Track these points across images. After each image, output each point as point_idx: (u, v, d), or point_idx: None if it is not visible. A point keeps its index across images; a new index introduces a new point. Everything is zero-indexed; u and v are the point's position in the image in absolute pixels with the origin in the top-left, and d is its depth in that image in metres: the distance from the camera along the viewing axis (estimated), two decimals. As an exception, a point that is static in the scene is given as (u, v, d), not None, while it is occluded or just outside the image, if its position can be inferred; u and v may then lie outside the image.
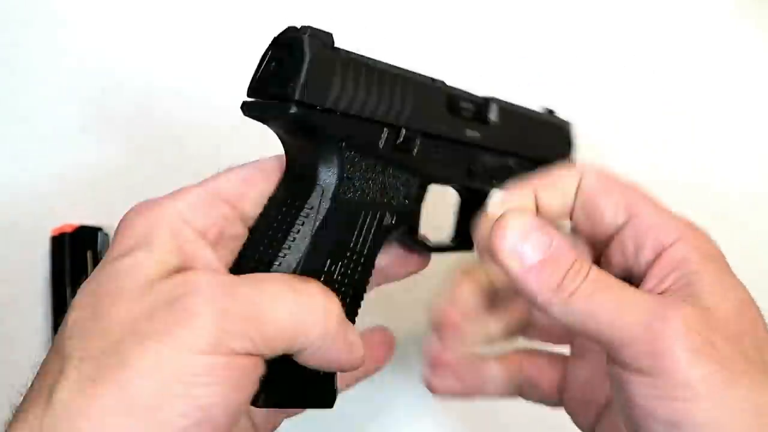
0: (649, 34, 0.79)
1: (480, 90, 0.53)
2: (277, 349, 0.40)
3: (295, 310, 0.40)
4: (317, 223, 0.43)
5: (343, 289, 0.45)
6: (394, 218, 0.47)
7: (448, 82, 0.49)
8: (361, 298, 0.46)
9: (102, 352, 0.36)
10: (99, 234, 0.73)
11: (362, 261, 0.46)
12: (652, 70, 0.78)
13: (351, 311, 0.46)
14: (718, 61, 0.79)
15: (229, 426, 0.38)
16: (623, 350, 0.40)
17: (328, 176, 0.44)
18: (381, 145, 0.45)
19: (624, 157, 0.71)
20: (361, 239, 0.46)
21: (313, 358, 0.41)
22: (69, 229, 0.73)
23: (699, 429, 0.38)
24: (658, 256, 0.45)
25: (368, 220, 0.46)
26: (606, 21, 0.80)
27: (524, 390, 0.56)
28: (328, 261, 0.44)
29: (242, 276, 0.41)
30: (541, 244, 0.43)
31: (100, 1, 0.80)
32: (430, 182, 0.50)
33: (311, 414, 0.77)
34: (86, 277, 0.73)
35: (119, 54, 0.79)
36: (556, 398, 0.55)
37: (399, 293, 0.74)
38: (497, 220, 0.43)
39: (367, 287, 0.47)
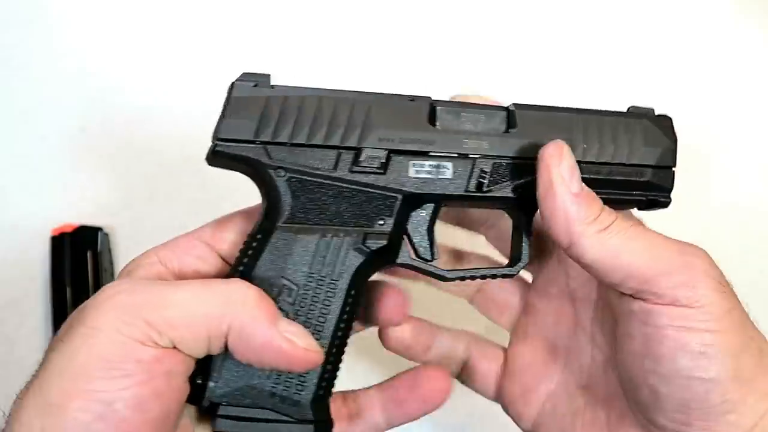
0: (649, 34, 0.79)
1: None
2: (192, 339, 0.40)
3: (200, 292, 0.41)
4: (264, 251, 0.46)
5: (304, 310, 0.46)
6: (364, 240, 0.47)
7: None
8: (334, 320, 0.46)
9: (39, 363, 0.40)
10: (99, 234, 0.73)
11: (329, 284, 0.46)
12: (652, 71, 0.78)
13: (319, 330, 0.46)
14: (719, 62, 0.79)
15: (147, 421, 0.38)
16: (660, 280, 0.42)
17: (274, 206, 0.47)
18: (337, 169, 0.47)
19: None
20: (319, 264, 0.46)
21: (240, 346, 0.41)
22: (69, 229, 0.73)
23: (721, 358, 0.42)
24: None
25: (325, 244, 0.47)
26: (606, 21, 0.80)
27: (463, 373, 0.57)
28: (279, 289, 0.46)
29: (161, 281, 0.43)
30: (580, 182, 0.45)
31: (101, 3, 0.80)
32: (418, 201, 0.49)
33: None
34: (86, 277, 0.74)
35: (119, 55, 0.79)
36: (492, 388, 0.56)
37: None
38: (548, 146, 0.45)
39: (347, 309, 0.47)
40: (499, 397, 0.56)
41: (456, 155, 0.48)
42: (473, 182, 0.48)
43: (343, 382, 0.51)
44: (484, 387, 0.56)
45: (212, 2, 0.80)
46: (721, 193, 0.76)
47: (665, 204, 0.50)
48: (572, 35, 0.79)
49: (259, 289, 0.43)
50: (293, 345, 0.41)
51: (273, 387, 0.45)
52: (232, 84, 0.47)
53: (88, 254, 0.72)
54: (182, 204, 0.76)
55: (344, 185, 0.47)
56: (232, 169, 0.48)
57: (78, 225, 0.74)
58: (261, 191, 0.48)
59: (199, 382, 0.45)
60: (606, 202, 0.46)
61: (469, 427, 0.73)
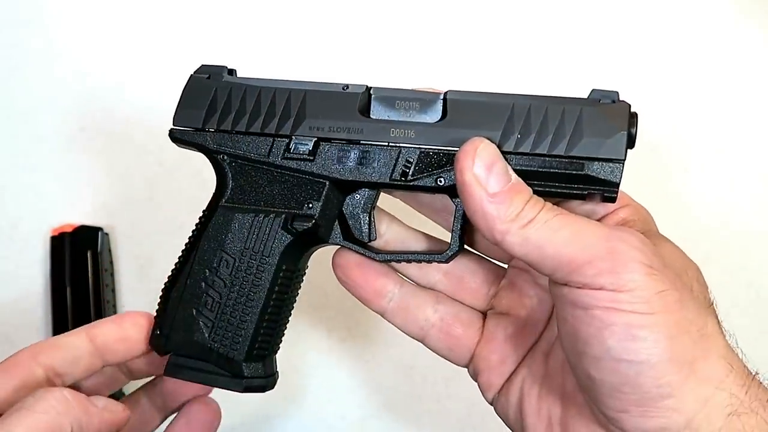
0: (650, 35, 0.79)
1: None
2: None
3: None
4: (208, 227, 0.52)
5: (236, 283, 0.51)
6: (292, 221, 0.51)
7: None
8: (265, 291, 0.51)
9: None
10: (99, 234, 0.73)
11: (261, 258, 0.51)
12: (653, 71, 0.78)
13: (251, 298, 0.51)
14: (720, 62, 0.79)
15: None
16: (584, 269, 0.42)
17: (220, 187, 0.53)
18: (270, 155, 0.51)
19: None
20: (252, 240, 0.51)
21: None
22: (69, 229, 0.73)
23: (652, 340, 0.41)
24: (604, 217, 0.49)
25: (258, 223, 0.51)
26: (605, 21, 0.80)
27: (429, 334, 0.55)
28: (219, 260, 0.52)
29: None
30: (504, 175, 0.44)
31: (101, 3, 0.80)
32: (348, 187, 0.51)
33: (307, 416, 0.78)
34: (86, 277, 0.74)
35: (118, 54, 0.79)
36: (466, 355, 0.54)
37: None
38: (465, 146, 0.45)
39: (281, 285, 0.52)
40: (470, 364, 0.55)
41: (382, 144, 0.50)
42: (398, 171, 0.49)
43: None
44: (449, 351, 0.55)
45: (210, 1, 0.80)
46: (722, 193, 0.76)
47: (611, 199, 0.47)
48: (571, 35, 0.79)
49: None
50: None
51: (211, 344, 0.51)
52: (190, 76, 0.53)
53: (88, 254, 0.72)
54: (182, 204, 0.76)
55: (277, 170, 0.51)
56: (192, 150, 0.53)
57: (78, 225, 0.74)
58: (215, 171, 0.53)
59: (157, 332, 0.52)
60: (542, 194, 0.46)
61: (469, 427, 0.73)
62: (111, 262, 0.75)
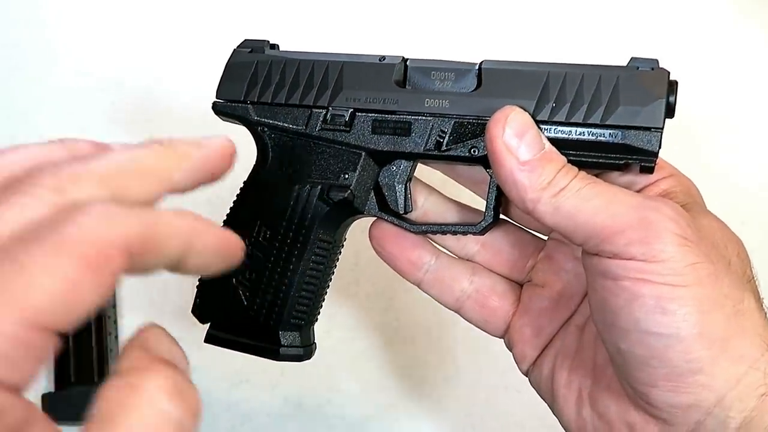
0: (650, 35, 0.79)
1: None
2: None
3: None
4: (248, 196, 0.53)
5: (274, 252, 0.52)
6: (328, 192, 0.51)
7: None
8: (302, 261, 0.52)
9: None
10: (99, 234, 0.73)
11: (299, 228, 0.52)
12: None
13: (289, 267, 0.52)
14: (720, 63, 0.79)
15: None
16: (615, 238, 0.41)
17: (259, 157, 0.54)
18: (308, 126, 0.51)
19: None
20: (290, 211, 0.52)
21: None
22: (69, 229, 0.73)
23: (682, 314, 0.40)
24: (645, 188, 0.48)
25: (296, 193, 0.52)
26: (606, 22, 0.80)
27: (465, 305, 0.54)
28: (258, 229, 0.52)
29: None
30: (536, 144, 0.44)
31: (101, 2, 0.80)
32: (383, 157, 0.52)
33: (312, 412, 0.78)
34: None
35: (119, 54, 0.79)
36: (501, 324, 0.54)
37: (399, 293, 0.74)
38: (496, 114, 0.44)
39: (319, 251, 0.53)
40: (506, 335, 0.54)
41: (417, 114, 0.50)
42: (432, 141, 0.50)
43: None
44: (486, 323, 0.55)
45: (213, 3, 0.80)
46: (721, 193, 0.76)
47: (649, 169, 0.46)
48: (571, 34, 0.79)
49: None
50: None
51: (250, 312, 0.52)
52: (234, 50, 0.54)
53: (88, 254, 0.72)
54: (182, 204, 0.75)
55: (314, 141, 0.52)
56: (233, 122, 0.54)
57: (78, 225, 0.74)
58: (255, 143, 0.54)
59: (198, 301, 0.54)
60: (578, 164, 0.45)
61: (469, 427, 0.73)
62: (111, 262, 0.74)
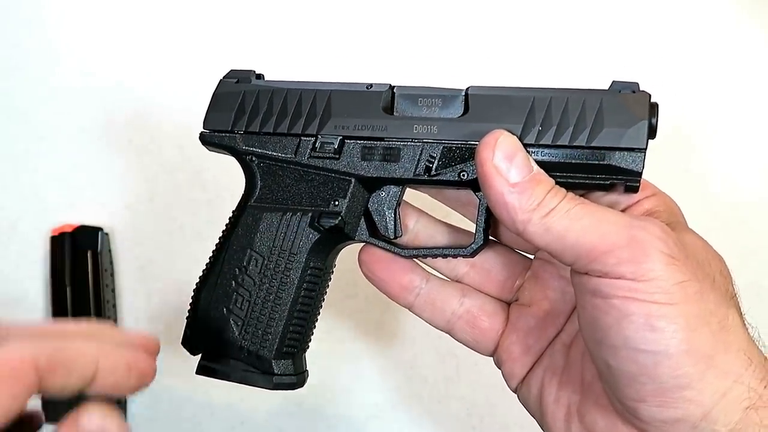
0: (650, 35, 0.79)
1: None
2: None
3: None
4: (233, 227, 0.54)
5: (266, 281, 0.52)
6: (319, 219, 0.52)
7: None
8: (293, 288, 0.52)
9: None
10: (99, 234, 0.73)
11: (289, 256, 0.52)
12: (652, 71, 0.78)
13: (280, 296, 0.52)
14: (721, 62, 0.79)
15: None
16: (605, 257, 0.42)
17: (249, 187, 0.54)
18: (296, 154, 0.52)
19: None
20: (280, 239, 0.53)
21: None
22: (69, 229, 0.73)
23: (671, 331, 0.41)
24: (629, 207, 0.49)
25: (286, 221, 0.52)
26: (606, 21, 0.80)
27: (456, 326, 0.55)
28: (248, 258, 0.53)
29: None
30: (525, 166, 0.45)
31: (101, 3, 0.80)
32: (373, 183, 0.52)
33: (312, 412, 0.78)
34: (86, 277, 0.73)
35: (119, 54, 0.79)
36: (490, 344, 0.55)
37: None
38: (485, 138, 0.45)
39: (309, 283, 0.53)
40: (495, 354, 0.55)
41: (406, 140, 0.51)
42: (422, 166, 0.50)
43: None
44: (476, 342, 0.55)
45: (211, 1, 0.80)
46: (721, 193, 0.76)
47: (634, 189, 0.48)
48: (570, 34, 0.79)
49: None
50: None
51: (242, 342, 0.52)
52: (220, 81, 0.54)
53: (88, 254, 0.72)
54: (182, 204, 0.76)
55: (303, 169, 0.53)
56: (221, 152, 0.54)
57: (78, 225, 0.74)
58: (244, 172, 0.54)
59: (188, 332, 0.54)
60: (565, 186, 0.46)
61: (469, 428, 0.73)
62: (111, 262, 0.75)
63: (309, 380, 0.56)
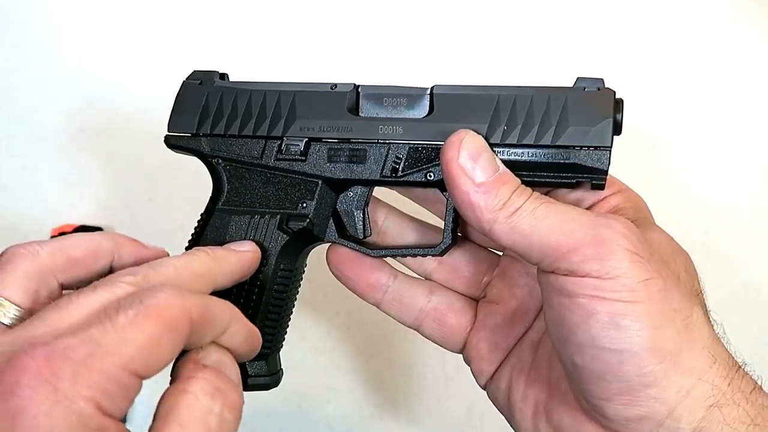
0: (650, 34, 0.79)
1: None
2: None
3: None
4: (202, 230, 0.53)
5: (237, 286, 0.50)
6: (287, 222, 0.51)
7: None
8: (264, 291, 0.51)
9: None
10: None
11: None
12: (652, 71, 0.78)
13: (251, 298, 0.51)
14: (720, 62, 0.79)
15: None
16: (570, 255, 0.42)
17: (216, 190, 0.53)
18: (263, 157, 0.52)
19: (623, 155, 0.71)
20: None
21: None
22: (69, 229, 0.73)
23: (635, 329, 0.41)
24: (595, 204, 0.49)
25: (255, 224, 0.52)
26: (606, 21, 0.80)
27: (423, 323, 0.55)
28: None
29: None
30: (490, 166, 0.45)
31: (101, 3, 0.80)
32: (341, 185, 0.52)
33: (312, 412, 0.78)
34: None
35: (119, 54, 0.79)
36: (460, 342, 0.55)
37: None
38: (450, 138, 0.45)
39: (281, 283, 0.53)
40: (463, 351, 0.55)
41: (371, 142, 0.50)
42: (388, 167, 0.50)
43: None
44: (444, 339, 0.56)
45: (209, 2, 0.80)
46: (721, 193, 0.76)
47: (600, 186, 0.47)
48: (570, 33, 0.80)
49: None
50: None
51: None
52: (183, 82, 0.53)
53: (88, 254, 0.72)
54: (182, 204, 0.76)
55: (270, 172, 0.52)
56: (186, 155, 0.54)
57: (78, 225, 0.74)
58: (210, 175, 0.54)
59: None
60: (531, 184, 0.46)
61: (469, 427, 0.74)
62: (111, 262, 0.75)
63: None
